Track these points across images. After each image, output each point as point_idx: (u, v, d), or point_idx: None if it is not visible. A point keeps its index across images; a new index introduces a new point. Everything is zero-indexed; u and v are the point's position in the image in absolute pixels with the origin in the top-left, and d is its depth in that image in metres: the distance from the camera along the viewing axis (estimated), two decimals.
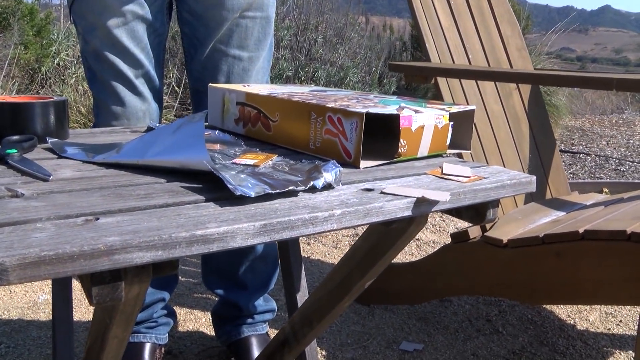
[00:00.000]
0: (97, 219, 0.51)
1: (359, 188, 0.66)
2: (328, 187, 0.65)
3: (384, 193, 0.64)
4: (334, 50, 4.73)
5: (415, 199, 0.63)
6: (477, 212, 0.74)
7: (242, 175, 0.64)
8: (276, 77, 4.12)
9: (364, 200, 0.61)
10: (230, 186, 0.58)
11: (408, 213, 0.63)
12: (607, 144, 4.55)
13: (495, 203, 0.74)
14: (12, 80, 3.60)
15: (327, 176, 0.66)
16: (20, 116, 0.82)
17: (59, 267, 0.43)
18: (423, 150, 0.83)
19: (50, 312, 1.67)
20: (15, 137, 0.79)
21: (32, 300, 1.74)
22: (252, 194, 0.58)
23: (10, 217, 0.51)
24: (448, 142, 0.86)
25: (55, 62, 3.78)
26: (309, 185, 0.63)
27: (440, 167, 0.78)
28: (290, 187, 0.61)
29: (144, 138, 0.76)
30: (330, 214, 0.57)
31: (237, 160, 0.74)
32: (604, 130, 5.12)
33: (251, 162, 0.73)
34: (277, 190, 0.60)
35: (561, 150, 4.19)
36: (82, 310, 1.68)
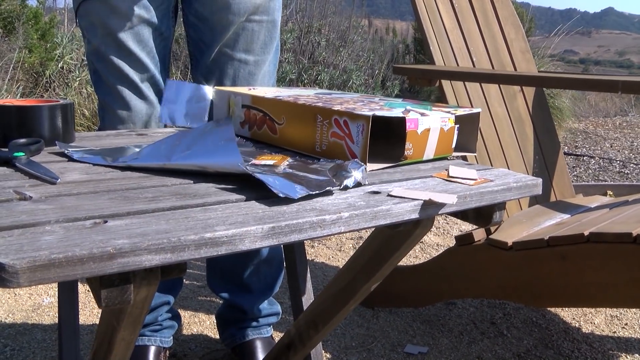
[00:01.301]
0: (106, 221, 0.51)
1: (366, 191, 0.66)
2: (357, 185, 0.67)
3: (391, 196, 0.64)
4: (337, 53, 4.74)
5: (422, 201, 0.63)
6: (483, 215, 0.74)
7: (277, 181, 0.64)
8: (279, 79, 4.13)
9: (371, 203, 0.61)
10: (274, 190, 0.60)
11: (415, 216, 0.63)
12: (611, 146, 4.55)
13: (501, 206, 0.74)
14: (16, 83, 3.62)
15: (357, 175, 0.67)
16: (27, 119, 0.82)
17: (68, 270, 0.43)
18: (429, 153, 0.83)
19: (55, 315, 1.67)
20: (22, 140, 0.79)
21: (36, 303, 1.74)
22: (297, 196, 0.59)
23: (19, 219, 0.51)
24: (453, 145, 0.86)
25: (59, 66, 3.79)
26: (343, 185, 0.65)
27: (446, 169, 0.78)
28: (328, 188, 0.63)
29: (167, 141, 0.76)
30: (338, 216, 0.57)
31: (255, 161, 0.74)
32: (607, 132, 5.11)
33: (270, 162, 0.74)
34: (317, 191, 0.61)
35: (565, 153, 4.18)
36: (87, 313, 1.68)
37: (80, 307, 1.68)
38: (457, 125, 0.85)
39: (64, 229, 0.49)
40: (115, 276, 0.48)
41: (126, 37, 1.13)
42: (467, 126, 0.89)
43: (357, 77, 4.61)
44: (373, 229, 0.83)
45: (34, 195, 0.59)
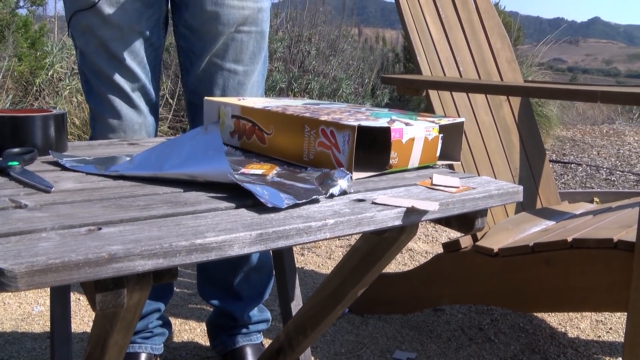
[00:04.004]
0: (100, 228, 0.53)
1: (351, 198, 0.68)
2: (343, 194, 0.69)
3: (375, 203, 0.66)
4: (327, 62, 4.77)
5: (405, 208, 0.66)
6: (465, 222, 0.77)
7: (265, 191, 0.66)
8: (270, 88, 4.15)
9: (356, 210, 0.63)
10: (262, 200, 0.62)
11: (398, 222, 0.65)
12: (598, 154, 4.60)
13: (483, 212, 0.77)
14: (6, 92, 3.62)
15: (342, 183, 0.69)
16: (21, 129, 0.84)
17: (65, 274, 0.45)
18: (413, 162, 0.85)
19: (45, 324, 1.67)
20: (16, 150, 0.81)
21: (26, 312, 1.74)
22: (284, 206, 0.61)
23: (16, 227, 0.53)
24: (438, 154, 0.89)
25: (49, 74, 3.79)
26: (329, 193, 0.67)
27: (430, 178, 0.80)
28: (314, 197, 0.65)
29: (157, 149, 0.78)
30: (323, 223, 0.59)
31: (244, 170, 0.76)
32: (594, 140, 5.17)
33: (259, 171, 0.76)
34: (304, 200, 0.64)
35: (552, 161, 4.23)
36: (77, 321, 1.69)
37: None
38: (441, 135, 0.88)
39: (59, 235, 0.51)
40: (109, 280, 0.50)
41: (117, 47, 1.15)
42: (452, 135, 0.92)
43: (347, 86, 4.65)
44: (360, 236, 0.86)
45: (29, 203, 0.61)
